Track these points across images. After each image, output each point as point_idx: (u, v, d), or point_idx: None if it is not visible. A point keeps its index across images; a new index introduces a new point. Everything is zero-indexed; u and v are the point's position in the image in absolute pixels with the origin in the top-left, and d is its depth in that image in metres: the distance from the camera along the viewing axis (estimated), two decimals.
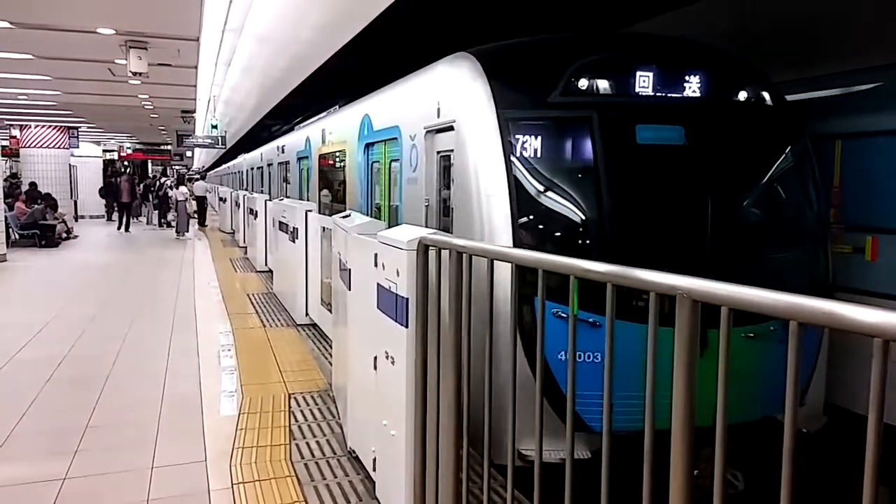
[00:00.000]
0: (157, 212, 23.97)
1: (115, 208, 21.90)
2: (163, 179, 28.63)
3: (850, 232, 5.10)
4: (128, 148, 33.96)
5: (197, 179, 29.84)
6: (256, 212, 12.71)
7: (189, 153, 40.66)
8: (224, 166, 35.63)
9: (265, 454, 4.26)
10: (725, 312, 1.48)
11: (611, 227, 4.13)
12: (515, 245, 3.98)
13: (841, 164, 5.21)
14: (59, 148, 21.60)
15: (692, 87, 4.44)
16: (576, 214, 4.23)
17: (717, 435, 1.54)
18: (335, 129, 8.85)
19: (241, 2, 7.53)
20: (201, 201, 23.80)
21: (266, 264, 12.18)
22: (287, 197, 12.03)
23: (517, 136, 4.17)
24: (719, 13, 7.02)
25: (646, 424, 1.75)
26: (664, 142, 4.38)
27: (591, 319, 3.51)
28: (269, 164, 15.94)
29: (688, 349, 1.60)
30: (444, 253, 2.76)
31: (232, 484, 3.85)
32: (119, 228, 20.62)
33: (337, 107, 9.65)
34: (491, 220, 4.10)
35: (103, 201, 25.06)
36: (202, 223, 23.24)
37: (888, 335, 1.14)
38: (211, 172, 47.73)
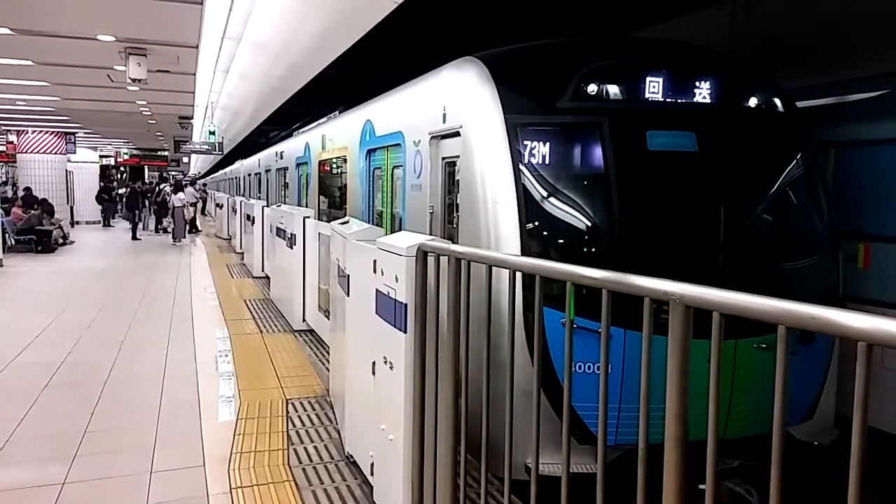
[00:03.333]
0: (153, 218, 23.92)
1: (134, 217, 21.52)
2: (162, 185, 28.57)
3: (842, 240, 5.16)
4: (125, 154, 33.91)
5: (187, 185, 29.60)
6: (254, 218, 12.74)
7: (186, 159, 40.72)
8: (221, 172, 35.67)
9: (263, 459, 4.28)
10: (717, 318, 1.52)
11: (622, 236, 4.06)
12: (524, 254, 3.92)
13: (834, 172, 5.27)
14: (56, 153, 21.55)
15: (703, 93, 4.40)
16: (586, 223, 4.17)
17: (709, 443, 1.56)
18: (336, 135, 8.85)
19: (241, 10, 7.58)
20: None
21: (263, 270, 12.20)
22: (285, 203, 12.06)
23: (525, 142, 4.13)
24: (709, 24, 7.12)
25: (640, 434, 1.77)
26: (676, 148, 4.30)
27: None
28: (268, 170, 15.96)
29: (680, 355, 1.64)
30: (443, 259, 2.80)
31: (230, 488, 3.87)
32: (134, 238, 20.21)
33: (337, 112, 9.67)
34: (498, 228, 4.05)
35: (100, 207, 25.04)
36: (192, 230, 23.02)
37: (872, 339, 1.19)
38: (207, 178, 47.84)
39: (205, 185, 47.29)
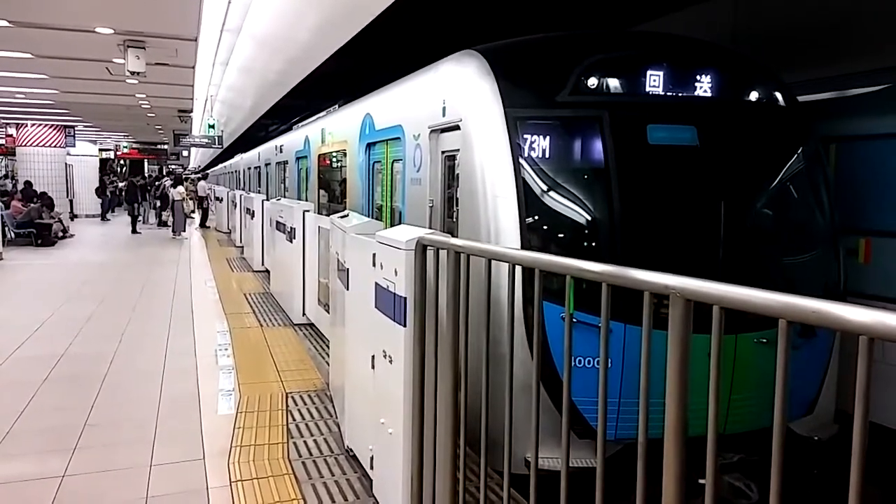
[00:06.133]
0: (153, 211, 23.91)
1: (134, 210, 21.38)
2: (163, 179, 28.53)
3: (843, 234, 5.14)
4: (124, 147, 33.88)
5: (198, 179, 29.43)
6: (253, 212, 12.73)
7: (185, 152, 40.69)
8: (220, 166, 35.62)
9: (263, 452, 4.29)
10: (717, 312, 1.51)
11: (622, 230, 4.05)
12: (523, 248, 3.91)
13: (836, 167, 5.25)
14: (55, 147, 21.54)
15: (704, 86, 4.38)
16: (586, 217, 4.16)
17: (709, 438, 1.56)
18: (335, 129, 8.84)
19: (240, 2, 7.55)
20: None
21: (263, 264, 12.20)
22: (285, 197, 12.05)
23: (525, 136, 4.11)
24: (711, 17, 7.09)
25: (639, 428, 1.76)
26: (676, 142, 4.29)
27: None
28: (267, 164, 15.94)
29: (680, 349, 1.63)
30: (443, 253, 2.79)
31: (230, 482, 3.88)
32: (134, 231, 20.09)
33: (337, 106, 9.65)
34: (498, 222, 4.04)
35: (100, 200, 25.02)
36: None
37: (873, 333, 1.18)
38: (207, 171, 47.72)
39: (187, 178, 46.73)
